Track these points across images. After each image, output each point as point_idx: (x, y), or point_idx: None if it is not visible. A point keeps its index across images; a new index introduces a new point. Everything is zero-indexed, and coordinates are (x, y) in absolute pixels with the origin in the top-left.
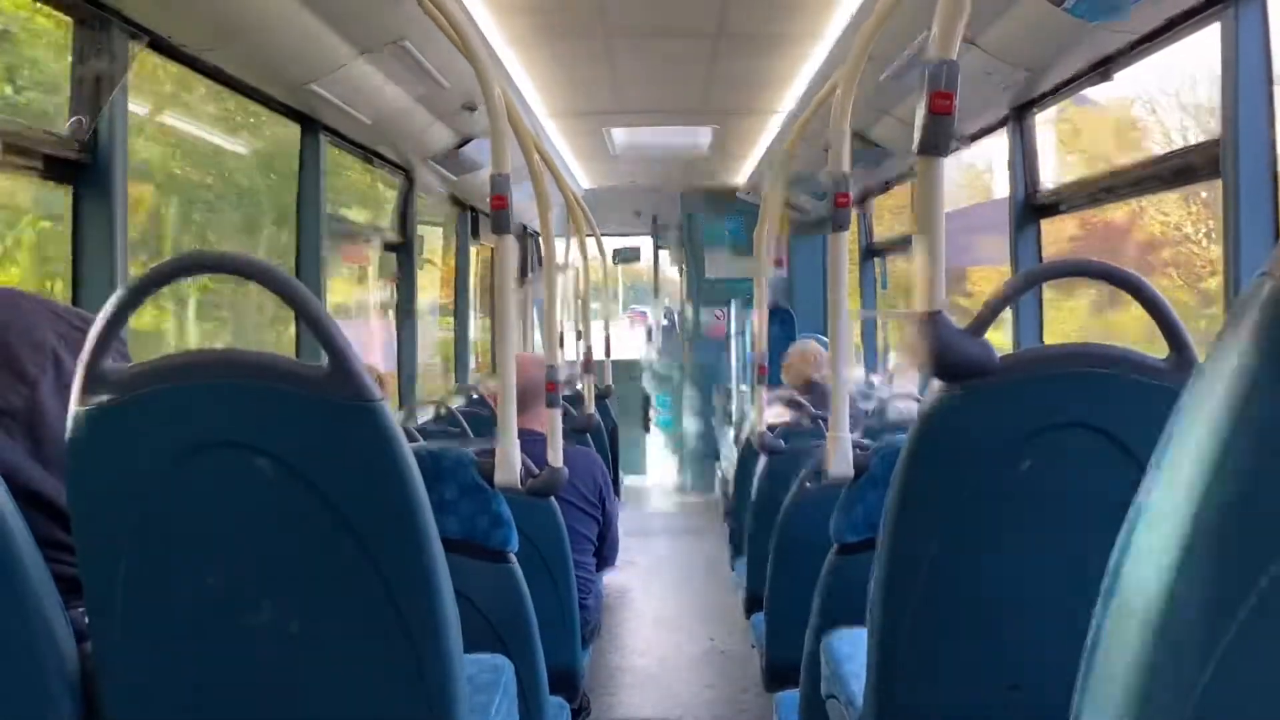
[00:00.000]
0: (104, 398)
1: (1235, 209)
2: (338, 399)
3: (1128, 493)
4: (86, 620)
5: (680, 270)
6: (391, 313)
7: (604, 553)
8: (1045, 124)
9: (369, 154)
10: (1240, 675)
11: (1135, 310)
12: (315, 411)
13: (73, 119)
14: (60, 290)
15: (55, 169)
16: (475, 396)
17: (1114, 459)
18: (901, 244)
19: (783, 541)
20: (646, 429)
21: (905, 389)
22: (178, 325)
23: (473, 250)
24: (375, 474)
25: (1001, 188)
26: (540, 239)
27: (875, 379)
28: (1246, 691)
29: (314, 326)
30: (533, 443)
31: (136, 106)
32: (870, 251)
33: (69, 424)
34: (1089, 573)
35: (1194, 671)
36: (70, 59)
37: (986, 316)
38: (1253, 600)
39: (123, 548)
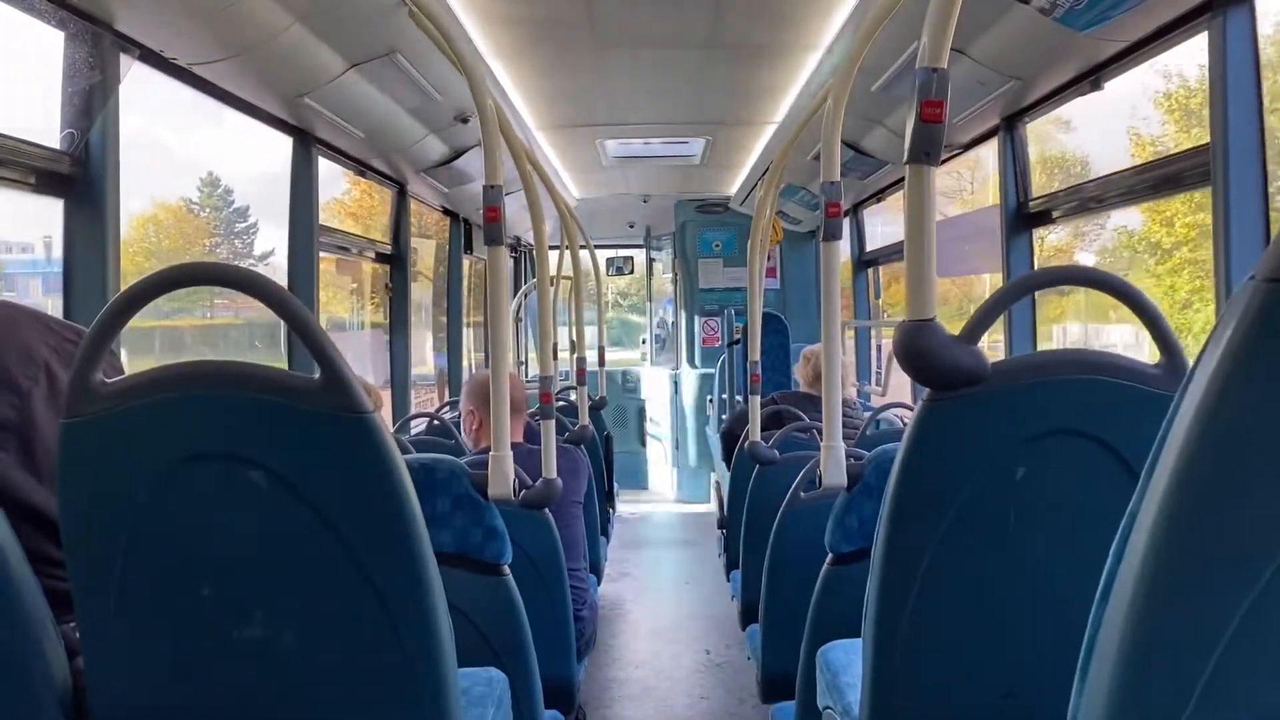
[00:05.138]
0: (94, 410)
1: (1225, 215)
2: (330, 411)
3: (1121, 500)
4: (78, 635)
5: (673, 280)
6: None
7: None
8: None
9: (362, 167)
10: (1234, 681)
11: None
12: (308, 423)
13: (64, 133)
14: None
15: (47, 183)
16: None
17: (1108, 466)
18: (893, 253)
19: (777, 552)
20: (643, 442)
21: (899, 398)
22: None
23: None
24: (368, 486)
25: None
26: (534, 250)
27: (867, 388)
28: (1240, 696)
29: (306, 338)
30: (517, 453)
31: None
32: (863, 261)
33: (59, 436)
34: (1084, 580)
35: (1189, 678)
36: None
37: (978, 325)
38: (1245, 606)
39: (114, 561)
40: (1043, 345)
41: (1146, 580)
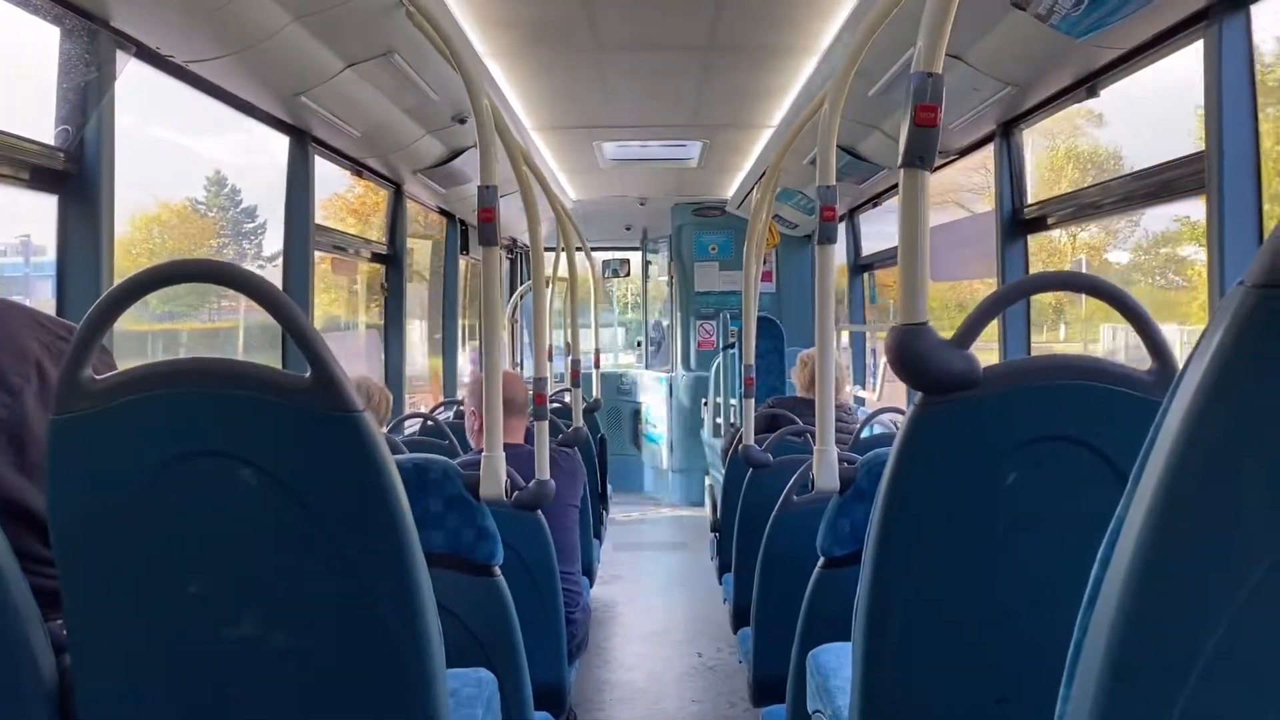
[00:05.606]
0: (84, 406)
1: (1219, 223)
2: (320, 409)
3: (1112, 506)
4: (65, 633)
5: (669, 283)
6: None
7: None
8: None
9: (359, 166)
10: (1219, 687)
11: None
12: (297, 421)
13: (59, 129)
14: None
15: (41, 179)
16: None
17: (1098, 472)
18: (889, 258)
19: (769, 555)
20: (637, 445)
21: (896, 403)
22: None
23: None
24: (357, 485)
25: None
26: (529, 252)
27: (862, 393)
28: (1225, 703)
29: (298, 337)
30: (513, 455)
31: None
32: (859, 266)
33: (48, 433)
34: (1075, 585)
35: (1174, 684)
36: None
37: (970, 329)
38: (1231, 613)
39: (103, 559)
40: (1091, 347)
41: (1132, 586)
